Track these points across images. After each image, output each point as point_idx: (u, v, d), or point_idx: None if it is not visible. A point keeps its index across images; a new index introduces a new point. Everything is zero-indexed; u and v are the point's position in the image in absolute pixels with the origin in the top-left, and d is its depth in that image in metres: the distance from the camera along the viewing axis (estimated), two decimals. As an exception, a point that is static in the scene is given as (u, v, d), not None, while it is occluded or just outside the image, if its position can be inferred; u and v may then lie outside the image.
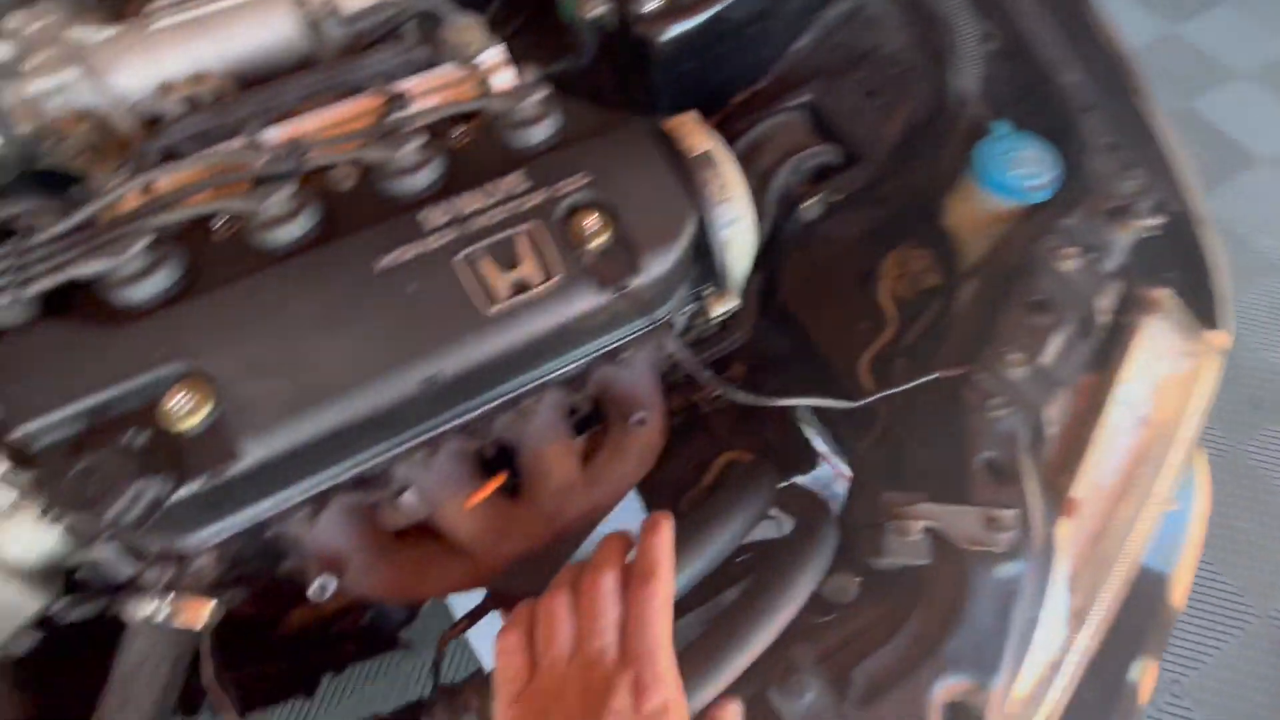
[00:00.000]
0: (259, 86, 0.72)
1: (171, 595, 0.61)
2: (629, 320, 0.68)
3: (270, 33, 0.78)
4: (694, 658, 0.56)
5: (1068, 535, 0.63)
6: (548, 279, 0.60)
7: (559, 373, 0.69)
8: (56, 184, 0.73)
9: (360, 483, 0.73)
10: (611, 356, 0.76)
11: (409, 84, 0.73)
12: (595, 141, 0.65)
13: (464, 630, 0.95)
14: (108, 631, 0.72)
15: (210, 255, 0.60)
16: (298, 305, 0.57)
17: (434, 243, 0.59)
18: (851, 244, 0.97)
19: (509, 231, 0.61)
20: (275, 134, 0.68)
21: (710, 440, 1.01)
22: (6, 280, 0.55)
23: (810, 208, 0.87)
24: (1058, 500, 0.65)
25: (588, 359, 0.70)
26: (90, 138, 0.72)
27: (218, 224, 0.62)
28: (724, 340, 0.87)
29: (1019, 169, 0.75)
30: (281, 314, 0.56)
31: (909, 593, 0.66)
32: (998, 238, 0.79)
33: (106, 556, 0.62)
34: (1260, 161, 2.35)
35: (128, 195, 0.63)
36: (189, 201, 0.60)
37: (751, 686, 0.62)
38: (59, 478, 0.52)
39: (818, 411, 1.11)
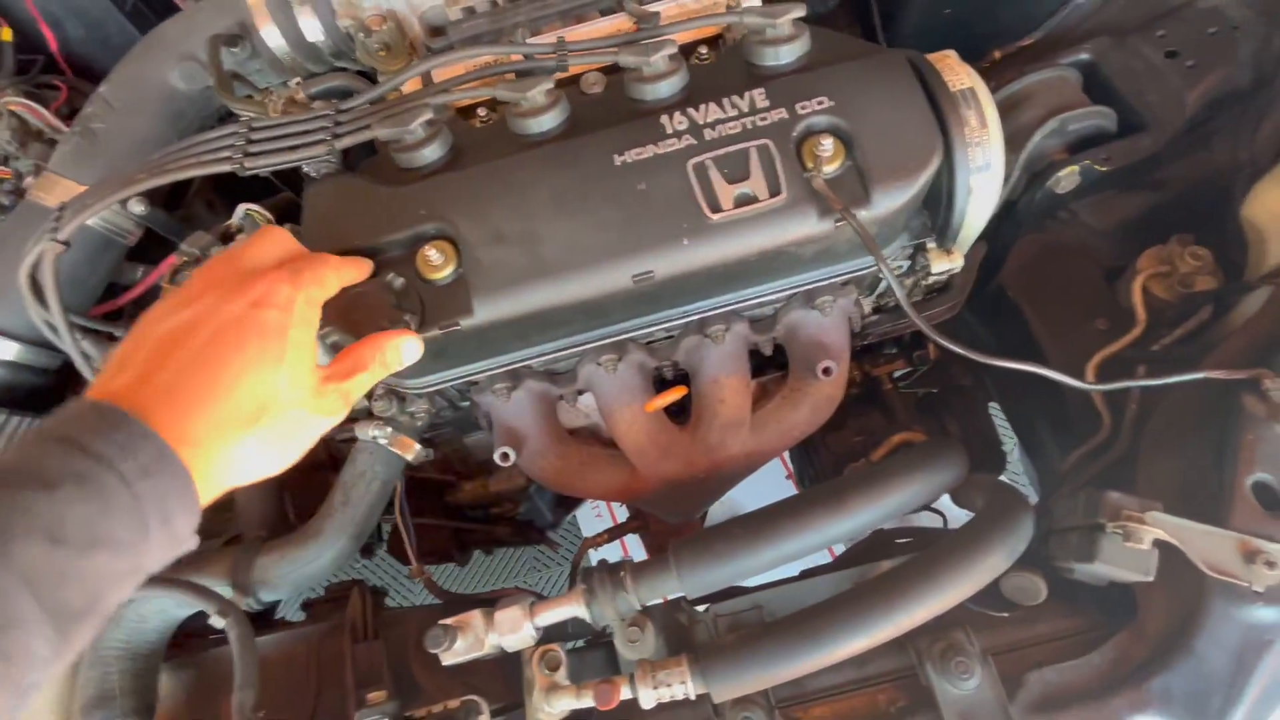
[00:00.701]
0: (527, 1, 0.78)
1: (390, 429, 0.70)
2: (843, 257, 0.65)
3: (545, -48, 0.84)
4: (837, 610, 0.54)
5: (1357, 597, 0.51)
6: (772, 196, 0.59)
7: (759, 299, 0.68)
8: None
9: (549, 375, 0.79)
10: (810, 299, 0.74)
11: (663, 5, 0.76)
12: (844, 67, 0.62)
13: (605, 543, 1.01)
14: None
15: (473, 138, 0.67)
16: (539, 188, 0.62)
17: (670, 146, 0.61)
18: (1106, 231, 0.85)
19: (742, 145, 0.61)
20: (539, 40, 0.74)
21: (886, 418, 0.96)
22: (325, 135, 0.65)
23: (1065, 178, 0.77)
24: (1350, 554, 0.52)
25: (791, 291, 0.68)
26: (388, 36, 0.84)
27: (482, 113, 0.70)
28: (927, 310, 0.81)
29: (1376, 151, 0.60)
30: (524, 194, 0.62)
31: (1112, 612, 0.58)
32: (1320, 236, 0.65)
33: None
34: None
35: (413, 82, 0.72)
36: (464, 86, 0.67)
37: (899, 660, 0.59)
38: (335, 299, 0.61)
39: (1010, 411, 1.00)
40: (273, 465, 0.48)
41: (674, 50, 0.64)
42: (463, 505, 1.00)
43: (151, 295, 0.88)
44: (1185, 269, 0.77)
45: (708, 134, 0.61)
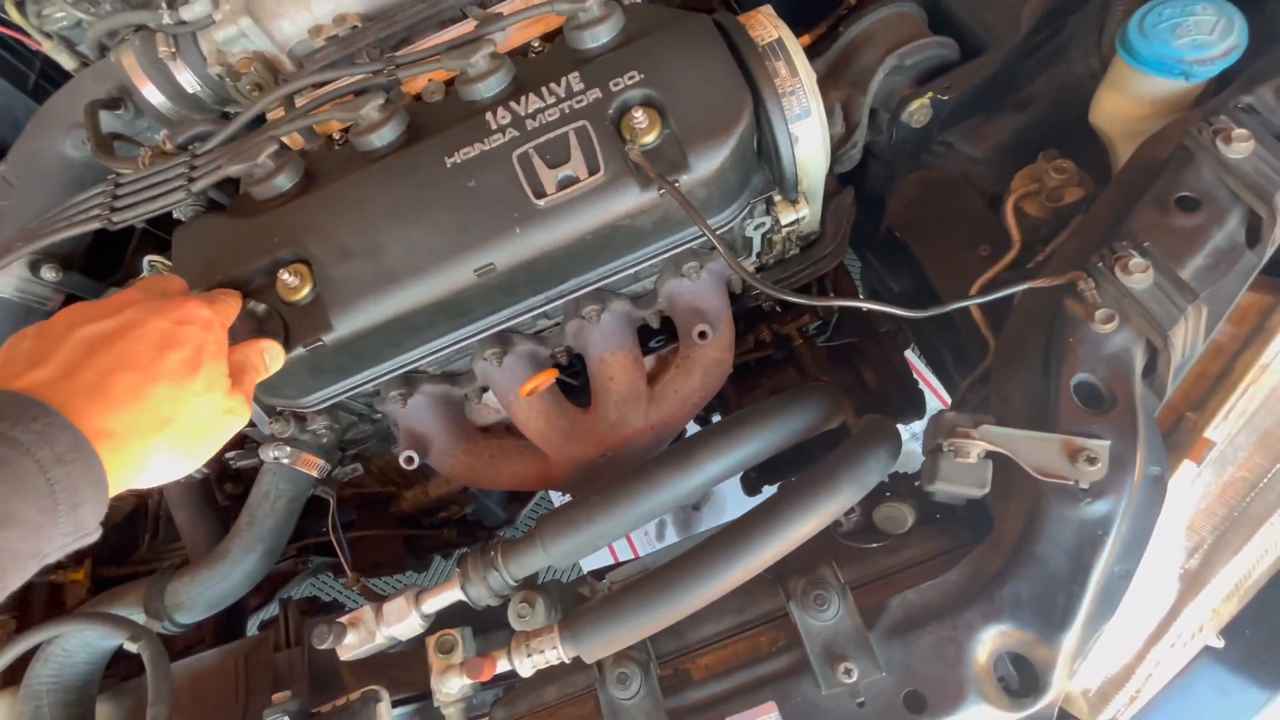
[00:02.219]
0: (379, 20, 0.81)
1: (291, 448, 0.74)
2: (684, 224, 0.67)
3: (395, -27, 0.87)
4: (688, 562, 0.56)
5: (1189, 482, 0.52)
6: (591, 175, 0.61)
7: (616, 275, 0.70)
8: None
9: (448, 376, 0.82)
10: (677, 268, 0.75)
11: (504, 5, 0.78)
12: (653, 38, 0.64)
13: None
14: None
15: (328, 162, 0.70)
16: (378, 200, 0.64)
17: (496, 141, 0.64)
18: (984, 158, 0.85)
19: (561, 130, 0.63)
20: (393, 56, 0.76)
21: (799, 374, 0.97)
22: (182, 181, 0.69)
23: (917, 111, 0.78)
24: (1184, 440, 0.53)
25: (644, 264, 0.70)
26: (259, 76, 0.87)
27: (337, 136, 0.73)
28: (807, 263, 0.82)
29: (1185, 38, 0.59)
30: (365, 207, 0.65)
31: (974, 529, 0.59)
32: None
33: (254, 412, 0.77)
34: None
35: (279, 114, 0.75)
36: (309, 114, 0.70)
37: (774, 602, 0.61)
38: (207, 334, 0.65)
39: (924, 351, 1.00)
40: (183, 465, 0.52)
41: (492, 49, 0.66)
42: (408, 514, 1.03)
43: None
44: (1052, 183, 0.77)
45: (529, 124, 0.64)
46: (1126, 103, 0.66)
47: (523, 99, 0.65)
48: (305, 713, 0.58)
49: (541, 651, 0.55)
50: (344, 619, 0.60)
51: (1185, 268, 0.53)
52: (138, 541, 1.12)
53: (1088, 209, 0.75)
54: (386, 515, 1.05)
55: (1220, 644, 0.53)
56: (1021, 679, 0.54)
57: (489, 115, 0.65)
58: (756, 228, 0.77)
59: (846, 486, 0.56)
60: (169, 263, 0.83)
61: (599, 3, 0.65)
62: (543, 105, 0.64)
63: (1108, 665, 0.54)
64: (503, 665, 0.56)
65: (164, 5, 0.85)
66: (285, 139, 0.70)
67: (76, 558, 1.01)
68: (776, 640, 0.59)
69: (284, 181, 0.68)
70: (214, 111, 0.94)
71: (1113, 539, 0.50)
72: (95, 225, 0.69)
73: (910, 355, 1.15)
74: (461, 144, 0.64)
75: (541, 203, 0.62)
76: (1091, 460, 0.50)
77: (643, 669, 0.57)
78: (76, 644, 0.63)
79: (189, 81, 0.89)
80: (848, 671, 0.53)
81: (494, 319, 0.71)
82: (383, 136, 0.67)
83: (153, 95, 0.89)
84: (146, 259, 0.83)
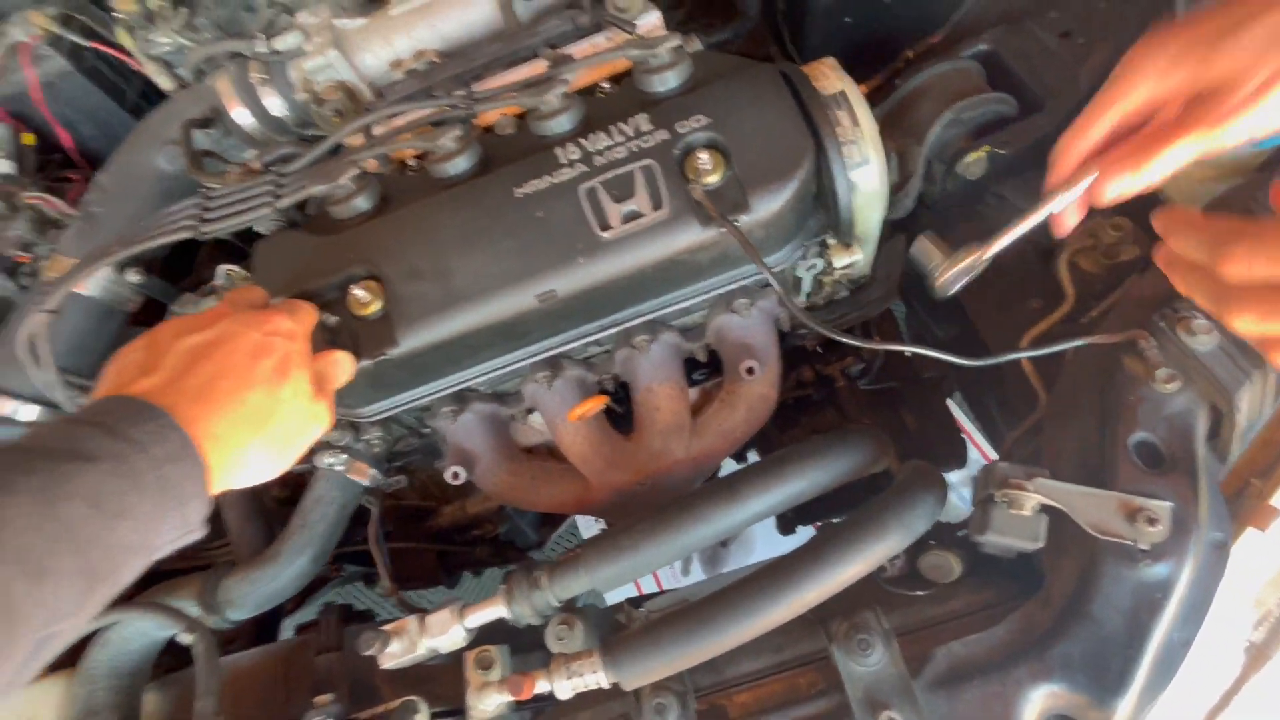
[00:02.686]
0: (457, 56, 0.86)
1: (346, 456, 0.77)
2: (740, 262, 0.69)
3: (473, 14, 0.93)
4: (732, 597, 0.56)
5: (1255, 550, 0.50)
6: (655, 210, 0.64)
7: (672, 307, 0.72)
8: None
9: (498, 396, 0.84)
10: (727, 304, 0.77)
11: (574, 48, 0.82)
12: (720, 85, 0.67)
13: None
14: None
15: (402, 186, 0.74)
16: (450, 225, 0.68)
17: (564, 175, 0.67)
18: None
19: (628, 167, 0.66)
20: (465, 91, 0.81)
21: (840, 416, 0.97)
22: (268, 198, 0.74)
23: (973, 164, 0.79)
24: (1249, 507, 0.52)
25: (698, 299, 0.72)
26: (341, 104, 0.93)
27: (412, 163, 0.77)
28: (856, 306, 0.83)
29: (1251, 105, 0.60)
30: (437, 231, 0.68)
31: (1023, 583, 0.58)
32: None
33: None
34: None
35: (358, 139, 0.80)
36: (389, 141, 0.74)
37: (814, 644, 0.60)
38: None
39: (970, 401, 0.99)
40: (274, 465, 0.55)
41: (564, 89, 0.70)
42: (444, 529, 1.05)
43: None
44: (1108, 240, 0.77)
45: (597, 160, 0.67)
46: (1191, 165, 0.66)
47: (591, 136, 0.68)
48: (345, 717, 0.60)
49: (581, 675, 0.56)
50: (388, 627, 0.62)
51: (1251, 332, 0.52)
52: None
53: (1144, 267, 0.74)
54: (421, 529, 1.07)
55: (1285, 723, 0.51)
56: (1071, 744, 0.52)
57: (558, 150, 0.68)
58: (809, 269, 0.78)
59: (895, 531, 0.56)
60: (245, 273, 0.88)
61: (669, 49, 0.69)
62: (611, 143, 0.67)
63: (1164, 737, 0.52)
64: (541, 685, 0.57)
65: (260, 36, 0.92)
66: (363, 163, 0.75)
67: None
68: (815, 683, 0.59)
69: (362, 203, 0.72)
70: (294, 133, 1.00)
71: (1173, 604, 0.49)
72: (186, 235, 0.74)
73: (949, 403, 1.14)
74: (531, 176, 0.68)
75: (606, 235, 0.64)
76: (1152, 521, 0.49)
77: (680, 701, 0.57)
78: (133, 632, 0.65)
79: (276, 106, 0.95)
80: (890, 720, 0.52)
81: (549, 343, 0.73)
82: (457, 165, 0.71)
83: (241, 117, 0.95)
84: (224, 269, 0.88)
